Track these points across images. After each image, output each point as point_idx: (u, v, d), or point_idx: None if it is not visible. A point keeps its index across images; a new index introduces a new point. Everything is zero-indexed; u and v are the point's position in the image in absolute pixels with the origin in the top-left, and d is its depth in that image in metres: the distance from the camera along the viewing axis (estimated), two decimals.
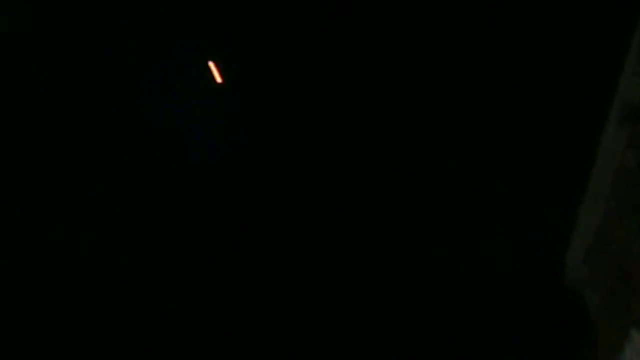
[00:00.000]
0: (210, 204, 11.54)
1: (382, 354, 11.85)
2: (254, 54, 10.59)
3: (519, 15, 8.99)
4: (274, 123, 11.14)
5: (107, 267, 11.44)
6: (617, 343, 7.36)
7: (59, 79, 10.66)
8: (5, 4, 9.81)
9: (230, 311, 11.98)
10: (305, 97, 10.92)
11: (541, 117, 8.97)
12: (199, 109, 10.87)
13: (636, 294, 7.23)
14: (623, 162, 7.29)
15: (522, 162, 9.33)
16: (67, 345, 11.64)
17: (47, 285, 11.49)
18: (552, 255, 8.26)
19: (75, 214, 11.33)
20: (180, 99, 10.79)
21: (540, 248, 8.85)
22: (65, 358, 11.78)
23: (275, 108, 11.05)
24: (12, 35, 10.09)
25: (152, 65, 10.69)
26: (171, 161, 11.23)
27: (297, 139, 11.25)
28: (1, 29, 10.03)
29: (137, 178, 11.26)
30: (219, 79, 10.23)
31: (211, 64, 10.09)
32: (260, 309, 11.85)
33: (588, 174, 7.56)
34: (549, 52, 8.84)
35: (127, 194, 11.32)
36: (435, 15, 9.42)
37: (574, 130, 8.34)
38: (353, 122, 10.95)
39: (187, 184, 11.47)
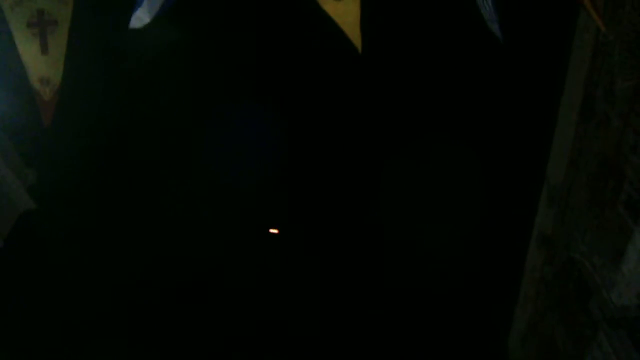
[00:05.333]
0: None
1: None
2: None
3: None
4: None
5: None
6: None
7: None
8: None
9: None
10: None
11: (479, 237, 10.03)
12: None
13: None
14: (542, 274, 8.26)
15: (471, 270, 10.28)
16: None
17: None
18: (497, 341, 9.06)
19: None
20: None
21: (489, 336, 9.67)
22: None
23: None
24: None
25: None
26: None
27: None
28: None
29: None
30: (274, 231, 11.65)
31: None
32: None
33: (519, 283, 8.46)
34: (482, 195, 9.99)
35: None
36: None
37: (507, 254, 9.34)
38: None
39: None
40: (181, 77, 11.56)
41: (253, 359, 13.20)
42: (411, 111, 10.31)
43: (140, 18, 4.27)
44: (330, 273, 12.48)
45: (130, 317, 12.81)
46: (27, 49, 4.20)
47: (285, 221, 12.75)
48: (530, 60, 8.87)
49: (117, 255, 12.79)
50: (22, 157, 9.60)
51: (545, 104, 8.31)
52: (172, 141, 12.36)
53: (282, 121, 11.49)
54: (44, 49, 4.14)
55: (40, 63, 4.17)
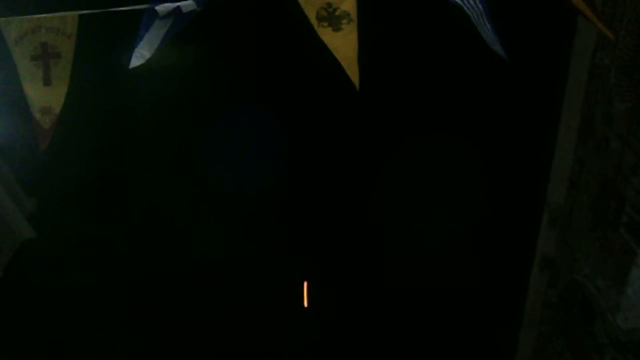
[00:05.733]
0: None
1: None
2: None
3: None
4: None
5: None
6: None
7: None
8: None
9: None
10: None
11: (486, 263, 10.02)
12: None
13: None
14: (546, 297, 8.18)
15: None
16: None
17: None
18: None
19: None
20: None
21: None
22: None
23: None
24: None
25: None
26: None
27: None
28: None
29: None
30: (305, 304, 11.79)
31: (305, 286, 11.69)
32: None
33: (523, 306, 8.38)
34: (483, 218, 10.01)
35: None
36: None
37: (510, 277, 9.30)
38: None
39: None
40: (180, 107, 11.70)
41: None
42: (412, 133, 10.39)
43: (142, 54, 4.33)
44: (330, 276, 12.52)
45: (132, 345, 12.71)
46: (30, 81, 4.25)
47: (285, 223, 12.81)
48: (528, 84, 8.95)
49: (118, 283, 12.77)
50: (22, 187, 9.61)
51: (544, 127, 8.37)
52: (171, 167, 12.46)
53: (283, 125, 11.67)
54: (47, 81, 4.19)
55: (43, 94, 4.22)
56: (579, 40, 7.03)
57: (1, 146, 8.97)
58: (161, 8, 4.41)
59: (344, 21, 4.23)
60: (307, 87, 11.13)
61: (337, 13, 4.21)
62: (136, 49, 4.34)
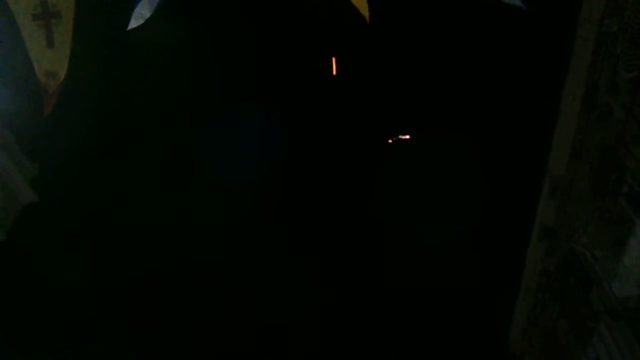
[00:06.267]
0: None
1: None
2: None
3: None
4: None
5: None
6: None
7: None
8: None
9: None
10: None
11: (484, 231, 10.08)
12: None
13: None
14: (544, 265, 8.27)
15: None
16: None
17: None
18: (497, 333, 9.10)
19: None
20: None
21: (490, 328, 9.72)
22: None
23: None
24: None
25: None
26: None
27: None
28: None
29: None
30: (334, 72, 10.95)
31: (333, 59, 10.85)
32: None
33: (520, 275, 8.48)
34: (484, 187, 10.00)
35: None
36: None
37: (508, 246, 9.37)
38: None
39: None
40: (181, 74, 11.57)
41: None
42: (412, 105, 10.29)
43: (141, 14, 4.26)
44: (330, 273, 12.56)
45: (131, 310, 12.87)
46: (34, 43, 4.21)
47: (285, 222, 12.79)
48: (532, 52, 8.85)
49: (118, 247, 12.85)
50: (24, 151, 9.61)
51: (548, 96, 8.31)
52: (172, 134, 12.40)
53: (282, 121, 11.53)
54: (50, 43, 4.15)
55: (47, 57, 4.19)
56: (586, 7, 6.92)
57: (3, 110, 8.94)
58: None
59: None
60: (309, 70, 10.94)
61: None
62: (135, 9, 4.28)
